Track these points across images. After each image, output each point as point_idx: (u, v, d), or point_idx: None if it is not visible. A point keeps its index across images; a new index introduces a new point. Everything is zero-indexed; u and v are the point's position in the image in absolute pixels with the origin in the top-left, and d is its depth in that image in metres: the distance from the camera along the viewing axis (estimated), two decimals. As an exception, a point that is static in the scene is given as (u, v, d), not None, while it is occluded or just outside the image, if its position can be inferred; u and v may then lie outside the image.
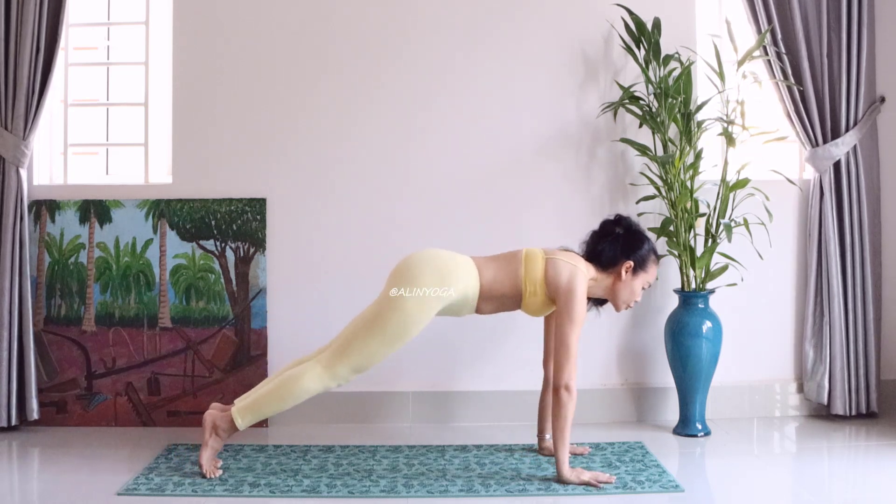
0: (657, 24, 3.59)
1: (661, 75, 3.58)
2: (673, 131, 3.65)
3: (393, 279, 3.00)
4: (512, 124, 3.78)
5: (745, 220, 3.52)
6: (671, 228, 3.53)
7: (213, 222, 3.74)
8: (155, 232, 3.74)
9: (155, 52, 3.85)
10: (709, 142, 3.75)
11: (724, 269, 3.58)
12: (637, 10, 3.60)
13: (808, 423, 3.72)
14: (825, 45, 3.66)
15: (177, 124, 3.77)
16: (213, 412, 3.03)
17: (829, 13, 3.67)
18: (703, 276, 3.57)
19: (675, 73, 3.57)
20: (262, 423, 3.67)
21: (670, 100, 3.53)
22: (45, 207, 3.74)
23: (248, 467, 3.14)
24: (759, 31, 3.65)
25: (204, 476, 2.99)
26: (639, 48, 3.63)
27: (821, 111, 3.69)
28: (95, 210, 3.74)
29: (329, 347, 3.03)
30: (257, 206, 3.75)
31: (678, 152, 3.51)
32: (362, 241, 3.77)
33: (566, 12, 3.78)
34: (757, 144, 3.61)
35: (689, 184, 3.54)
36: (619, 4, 3.65)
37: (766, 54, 3.66)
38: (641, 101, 3.61)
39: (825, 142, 3.69)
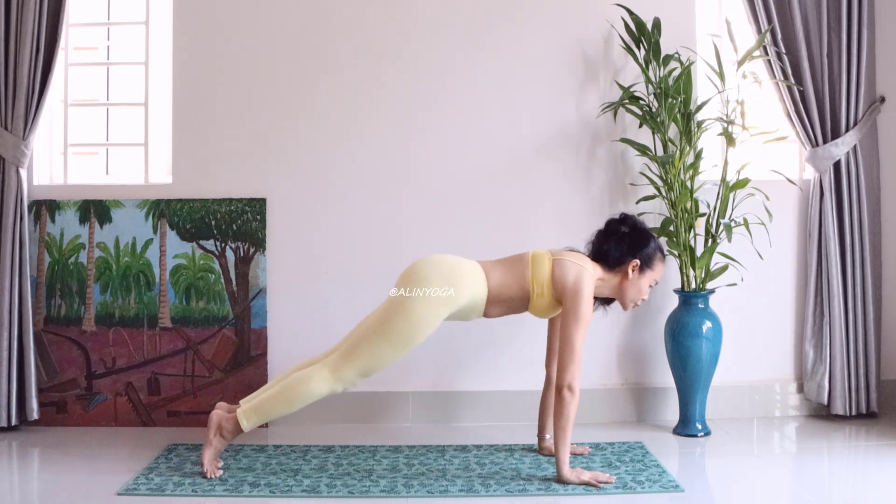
0: (657, 24, 3.60)
1: (661, 75, 3.58)
2: (673, 131, 3.65)
3: (400, 285, 2.99)
4: (512, 124, 3.78)
5: (745, 220, 3.52)
6: (671, 228, 3.53)
7: (213, 222, 3.74)
8: (155, 232, 3.74)
9: (155, 52, 3.85)
10: (709, 142, 3.75)
11: (724, 269, 3.58)
12: (637, 10, 3.60)
13: (808, 423, 3.72)
14: (825, 45, 3.66)
15: (177, 124, 3.77)
16: (219, 412, 3.03)
17: (829, 13, 3.67)
18: (703, 276, 3.57)
19: (675, 73, 3.57)
20: (263, 424, 3.66)
21: (670, 100, 3.53)
22: (45, 207, 3.74)
23: (248, 467, 3.14)
24: (759, 31, 3.65)
25: (204, 475, 2.99)
26: (639, 48, 3.63)
27: (821, 111, 3.69)
28: (95, 210, 3.74)
29: (336, 351, 3.03)
30: (257, 206, 3.75)
31: (678, 152, 3.51)
32: (362, 241, 3.77)
33: (566, 12, 3.78)
34: (757, 144, 3.61)
35: (689, 184, 3.54)
36: (619, 4, 3.65)
37: (766, 54, 3.66)
38: (641, 101, 3.61)
39: (825, 142, 3.69)
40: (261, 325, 3.73)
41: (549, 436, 3.27)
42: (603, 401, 3.76)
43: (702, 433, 3.53)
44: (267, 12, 3.77)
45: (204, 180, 3.76)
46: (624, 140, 3.69)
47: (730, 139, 3.54)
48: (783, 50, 3.66)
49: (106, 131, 4.21)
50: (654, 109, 3.60)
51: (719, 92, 3.58)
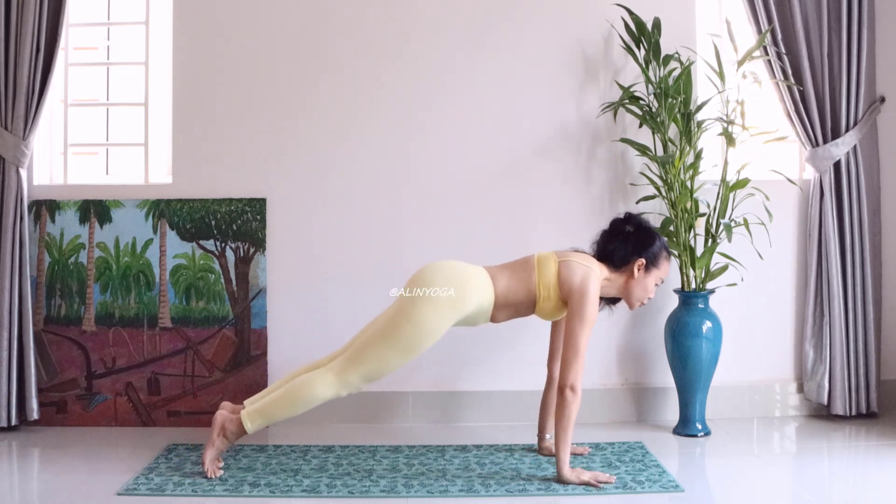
0: (657, 24, 3.59)
1: (661, 75, 3.58)
2: (673, 131, 3.65)
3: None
4: (512, 124, 3.78)
5: (745, 220, 3.52)
6: (671, 228, 3.53)
7: (213, 222, 3.74)
8: (155, 232, 3.74)
9: (155, 52, 3.85)
10: (709, 142, 3.75)
11: (724, 269, 3.58)
12: (637, 10, 3.60)
13: (808, 423, 3.72)
14: (825, 44, 3.66)
15: (177, 124, 3.77)
16: (223, 413, 3.03)
17: (830, 13, 3.67)
18: (703, 276, 3.57)
19: (675, 73, 3.57)
20: (266, 426, 3.66)
21: (670, 100, 3.53)
22: (45, 207, 3.74)
23: (248, 467, 3.14)
24: (759, 31, 3.65)
25: (205, 475, 2.99)
26: (639, 48, 3.63)
27: (821, 111, 3.69)
28: (95, 210, 3.74)
29: (341, 355, 3.02)
30: (257, 206, 3.75)
31: (678, 152, 3.51)
32: (362, 241, 3.77)
33: (566, 12, 3.78)
34: (757, 144, 3.61)
35: (689, 184, 3.54)
36: (619, 4, 3.65)
37: (767, 54, 3.66)
38: (641, 101, 3.61)
39: (825, 142, 3.69)
40: (261, 325, 3.73)
41: (549, 436, 3.27)
42: (603, 401, 3.76)
43: (702, 433, 3.53)
44: (267, 12, 3.77)
45: (204, 180, 3.76)
46: (624, 140, 3.69)
47: (730, 139, 3.54)
48: (783, 50, 3.66)
49: (106, 131, 4.21)
50: (654, 109, 3.60)
51: (719, 92, 3.58)
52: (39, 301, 3.72)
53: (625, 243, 3.07)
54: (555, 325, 3.25)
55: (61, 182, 3.85)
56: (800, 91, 3.67)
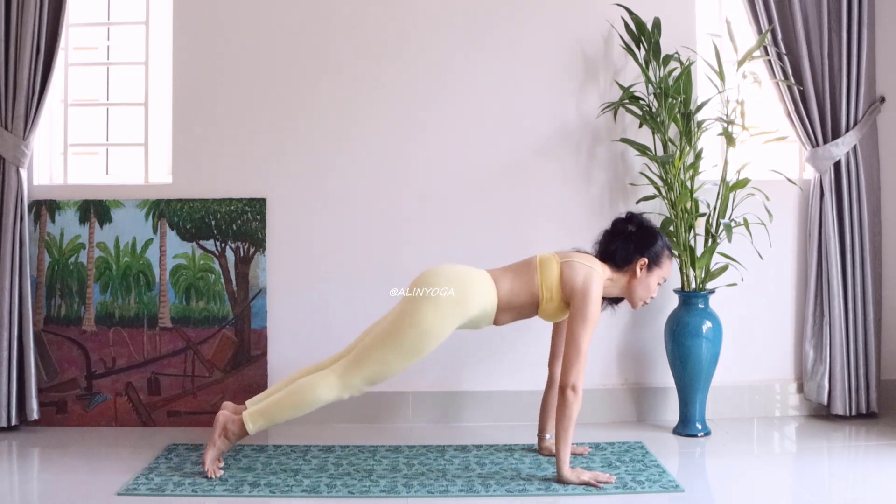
0: (657, 24, 3.59)
1: (661, 75, 3.58)
2: (673, 131, 3.65)
3: (410, 296, 2.98)
4: (512, 124, 3.78)
5: (745, 220, 3.52)
6: (671, 228, 3.53)
7: (213, 222, 3.74)
8: (155, 232, 3.74)
9: (155, 52, 3.85)
10: (709, 142, 3.75)
11: (724, 269, 3.58)
12: (637, 10, 3.60)
13: (808, 423, 3.72)
14: (825, 44, 3.66)
15: (177, 124, 3.77)
16: (225, 413, 3.03)
17: (830, 13, 3.67)
18: (703, 276, 3.57)
19: (675, 73, 3.57)
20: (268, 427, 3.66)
21: (670, 100, 3.53)
22: (45, 207, 3.74)
23: (248, 467, 3.14)
24: (759, 31, 3.65)
25: (205, 475, 2.99)
26: (639, 48, 3.63)
27: (821, 111, 3.69)
28: (95, 210, 3.74)
29: (345, 357, 3.02)
30: (257, 206, 3.75)
31: (678, 152, 3.51)
32: (362, 241, 3.77)
33: (566, 12, 3.78)
34: (757, 144, 3.61)
35: (689, 184, 3.54)
36: (619, 4, 3.65)
37: (767, 54, 3.66)
38: (641, 101, 3.61)
39: (825, 142, 3.69)
40: (261, 325, 3.73)
41: (549, 436, 3.27)
42: (603, 401, 3.76)
43: (702, 433, 3.53)
44: (267, 12, 3.77)
45: (204, 180, 3.76)
46: (624, 140, 3.69)
47: (730, 139, 3.54)
48: (783, 50, 3.66)
49: (106, 131, 4.21)
50: (654, 109, 3.60)
51: (719, 92, 3.58)
52: (39, 301, 3.72)
53: (627, 243, 3.07)
54: (557, 326, 3.25)
55: (61, 182, 3.85)
56: (800, 91, 3.67)
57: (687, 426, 3.55)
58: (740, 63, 3.53)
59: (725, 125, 3.55)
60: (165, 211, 3.74)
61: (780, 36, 3.66)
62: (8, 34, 3.56)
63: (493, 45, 3.78)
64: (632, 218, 3.14)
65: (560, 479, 2.94)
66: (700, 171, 3.57)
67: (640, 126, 3.68)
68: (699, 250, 3.61)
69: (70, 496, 2.86)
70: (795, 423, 3.74)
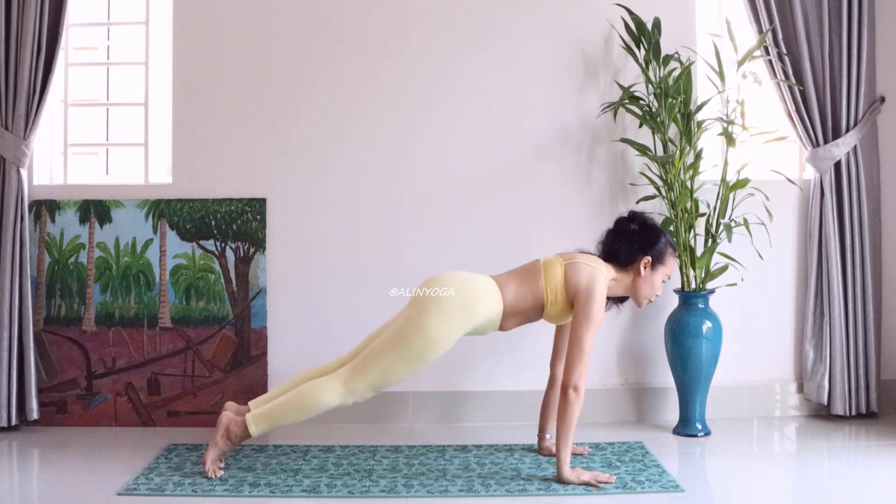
0: (657, 24, 3.59)
1: (661, 75, 3.58)
2: (673, 131, 3.65)
3: (415, 301, 2.98)
4: (512, 124, 3.78)
5: (745, 220, 3.52)
6: (671, 228, 3.53)
7: (213, 222, 3.74)
8: (155, 232, 3.74)
9: (155, 52, 3.85)
10: (709, 142, 3.75)
11: (724, 269, 3.58)
12: (637, 10, 3.60)
13: (808, 423, 3.72)
14: (826, 44, 3.66)
15: (177, 124, 3.77)
16: (229, 414, 3.03)
17: (830, 13, 3.67)
18: (703, 276, 3.57)
19: (675, 73, 3.57)
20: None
21: (670, 100, 3.53)
22: (46, 207, 3.74)
23: (248, 467, 3.14)
24: (759, 30, 3.65)
25: (205, 475, 2.99)
26: (639, 48, 3.63)
27: (821, 111, 3.69)
28: (95, 210, 3.74)
29: (349, 362, 3.02)
30: (257, 206, 3.75)
31: (678, 152, 3.51)
32: (362, 241, 3.77)
33: (566, 12, 3.78)
34: (757, 144, 3.61)
35: (689, 184, 3.54)
36: (619, 4, 3.65)
37: (767, 54, 3.66)
38: (641, 101, 3.61)
39: (826, 142, 3.69)
40: (261, 325, 3.73)
41: (549, 436, 3.27)
42: (603, 401, 3.76)
43: (702, 433, 3.53)
44: (267, 12, 3.77)
45: (204, 180, 3.76)
46: (624, 140, 3.69)
47: (730, 139, 3.54)
48: (784, 50, 3.66)
49: (106, 131, 4.21)
50: (654, 109, 3.60)
51: (719, 92, 3.58)
52: (39, 301, 3.72)
53: (630, 242, 3.07)
54: (560, 326, 3.24)
55: (61, 182, 3.85)
56: (800, 91, 3.67)
57: (687, 426, 3.55)
58: (740, 63, 3.53)
59: (725, 125, 3.55)
60: (165, 211, 3.74)
61: (780, 36, 3.66)
62: (8, 34, 3.56)
63: (493, 45, 3.78)
64: (634, 217, 3.14)
65: (560, 479, 2.94)
66: (700, 171, 3.57)
67: (640, 126, 3.68)
68: (699, 250, 3.61)
69: (70, 496, 2.86)
70: (795, 423, 3.74)
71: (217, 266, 3.74)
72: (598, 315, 2.95)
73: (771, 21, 3.64)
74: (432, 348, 2.92)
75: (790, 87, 3.65)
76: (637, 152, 3.66)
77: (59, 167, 3.88)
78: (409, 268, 3.70)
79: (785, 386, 3.82)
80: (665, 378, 3.74)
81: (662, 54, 3.60)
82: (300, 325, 3.74)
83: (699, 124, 3.58)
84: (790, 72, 3.67)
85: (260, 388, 3.68)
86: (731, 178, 3.57)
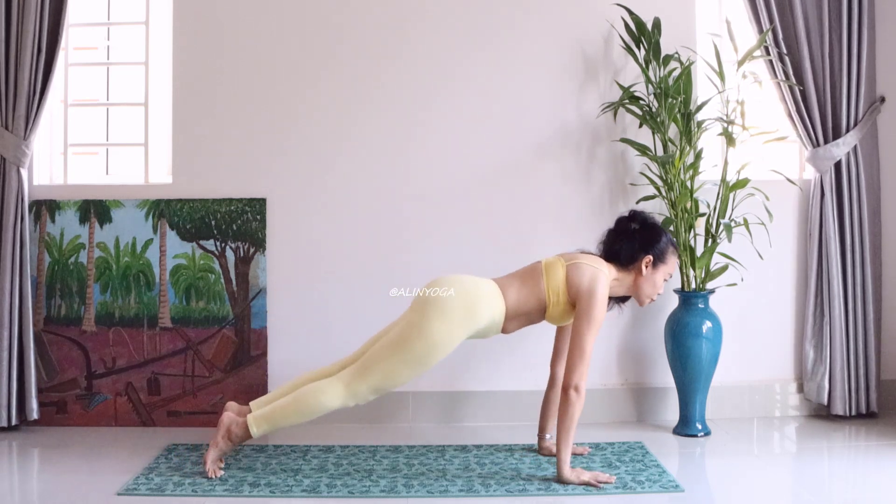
0: (657, 24, 3.59)
1: (661, 75, 3.58)
2: (673, 131, 3.65)
3: (418, 305, 2.98)
4: (512, 124, 3.78)
5: (745, 220, 3.52)
6: (671, 228, 3.53)
7: (213, 222, 3.74)
8: (155, 232, 3.74)
9: (155, 52, 3.85)
10: (709, 142, 3.75)
11: (724, 269, 3.58)
12: (637, 10, 3.60)
13: (808, 423, 3.72)
14: (826, 44, 3.66)
15: (177, 124, 3.77)
16: (230, 414, 3.03)
17: (830, 13, 3.67)
18: (703, 276, 3.57)
19: (675, 73, 3.57)
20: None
21: (670, 100, 3.53)
22: (46, 207, 3.74)
23: (248, 467, 3.14)
24: (760, 30, 3.65)
25: (205, 475, 2.99)
26: (639, 48, 3.63)
27: (822, 111, 3.69)
28: (95, 210, 3.74)
29: (351, 365, 3.02)
30: (257, 206, 3.75)
31: (678, 152, 3.51)
32: (362, 241, 3.77)
33: (566, 12, 3.78)
34: (757, 144, 3.61)
35: (689, 184, 3.54)
36: (619, 4, 3.65)
37: (767, 54, 3.65)
38: (641, 101, 3.61)
39: (826, 142, 3.69)
40: (261, 325, 3.73)
41: (549, 436, 3.27)
42: (603, 401, 3.76)
43: (702, 433, 3.53)
44: (267, 12, 3.77)
45: (204, 180, 3.76)
46: (624, 140, 3.69)
47: (730, 139, 3.54)
48: (784, 50, 3.66)
49: (106, 131, 4.21)
50: (654, 109, 3.60)
51: (719, 92, 3.58)
52: (39, 301, 3.72)
53: (631, 241, 3.07)
54: (561, 326, 3.24)
55: (61, 182, 3.85)
56: (800, 91, 3.67)
57: (687, 426, 3.55)
58: (740, 63, 3.53)
59: (725, 125, 3.55)
60: (165, 211, 3.74)
61: (780, 36, 3.66)
62: (8, 34, 3.56)
63: (493, 46, 3.78)
64: (635, 216, 3.14)
65: (560, 479, 2.94)
66: (700, 171, 3.57)
67: (640, 126, 3.68)
68: (699, 250, 3.61)
69: (70, 496, 2.86)
70: (795, 423, 3.74)
71: (217, 266, 3.74)
72: (600, 315, 2.95)
73: (771, 21, 3.64)
74: (434, 352, 2.92)
75: (790, 87, 3.65)
76: (637, 152, 3.66)
77: (59, 167, 3.88)
78: (409, 267, 3.71)
79: (785, 386, 3.82)
80: (665, 378, 3.74)
81: (662, 54, 3.60)
82: (300, 325, 3.74)
83: (699, 124, 3.58)
84: (790, 72, 3.67)
85: (260, 387, 3.68)
86: (731, 178, 3.57)
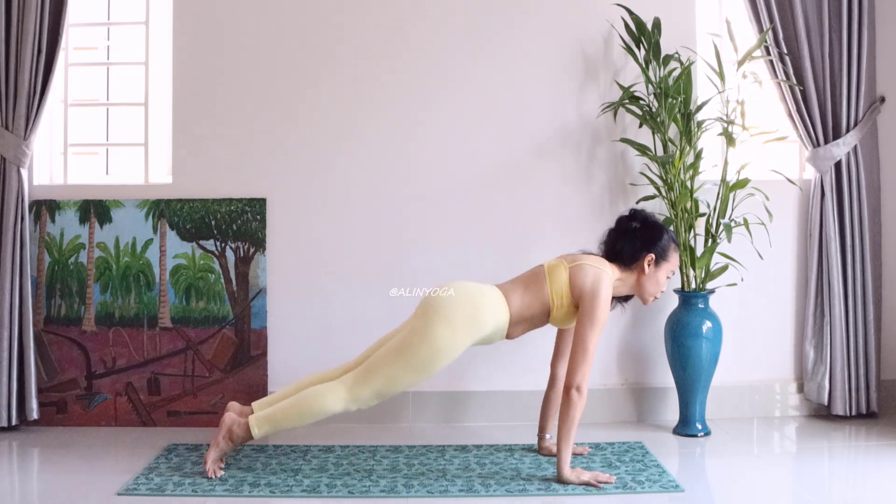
0: (657, 23, 3.59)
1: (661, 75, 3.58)
2: (673, 131, 3.65)
3: (422, 312, 2.98)
4: (512, 124, 3.78)
5: (745, 220, 3.52)
6: (671, 228, 3.53)
7: (213, 222, 3.74)
8: (155, 232, 3.74)
9: (155, 52, 3.85)
10: (709, 142, 3.75)
11: (724, 269, 3.58)
12: (637, 10, 3.60)
13: (808, 423, 3.72)
14: (826, 44, 3.66)
15: (177, 124, 3.77)
16: (231, 415, 3.03)
17: (830, 13, 3.67)
18: (703, 276, 3.57)
19: (675, 73, 3.57)
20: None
21: (670, 100, 3.53)
22: (46, 207, 3.74)
23: (248, 467, 3.14)
24: (760, 30, 3.65)
25: (205, 475, 2.99)
26: (639, 48, 3.63)
27: (822, 111, 3.69)
28: (95, 210, 3.75)
29: (355, 370, 3.02)
30: (257, 206, 3.75)
31: (678, 152, 3.51)
32: (362, 241, 3.77)
33: (566, 12, 3.78)
34: (757, 144, 3.61)
35: (689, 184, 3.54)
36: (619, 4, 3.65)
37: (767, 54, 3.65)
38: (641, 101, 3.61)
39: (826, 142, 3.69)
40: (261, 325, 3.73)
41: (549, 436, 3.27)
42: (603, 401, 3.75)
43: (702, 433, 3.53)
44: (267, 12, 3.77)
45: (204, 180, 3.76)
46: (624, 140, 3.69)
47: (730, 139, 3.54)
48: (784, 50, 3.66)
49: (106, 131, 4.21)
50: (654, 109, 3.60)
51: (719, 92, 3.58)
52: (39, 301, 3.72)
53: (633, 240, 3.07)
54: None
55: (61, 182, 3.86)
56: (800, 91, 3.66)
57: (687, 426, 3.55)
58: (740, 63, 3.53)
59: (725, 125, 3.55)
60: (165, 211, 3.74)
61: (780, 36, 3.66)
62: (9, 35, 3.56)
63: (493, 46, 3.78)
64: (636, 215, 3.14)
65: (560, 479, 2.94)
66: (700, 171, 3.57)
67: (640, 126, 3.68)
68: (699, 250, 3.61)
69: (70, 496, 2.86)
70: (795, 423, 3.74)
71: (217, 266, 3.74)
72: (603, 316, 2.95)
73: (771, 21, 3.64)
74: (438, 357, 2.92)
75: (790, 87, 3.65)
76: (637, 152, 3.66)
77: (59, 167, 3.88)
78: (409, 267, 3.71)
79: (785, 386, 3.82)
80: (665, 378, 3.74)
81: (662, 54, 3.60)
82: (300, 326, 3.74)
83: (699, 124, 3.58)
84: (790, 72, 3.67)
85: (260, 388, 3.68)
86: (731, 178, 3.57)
